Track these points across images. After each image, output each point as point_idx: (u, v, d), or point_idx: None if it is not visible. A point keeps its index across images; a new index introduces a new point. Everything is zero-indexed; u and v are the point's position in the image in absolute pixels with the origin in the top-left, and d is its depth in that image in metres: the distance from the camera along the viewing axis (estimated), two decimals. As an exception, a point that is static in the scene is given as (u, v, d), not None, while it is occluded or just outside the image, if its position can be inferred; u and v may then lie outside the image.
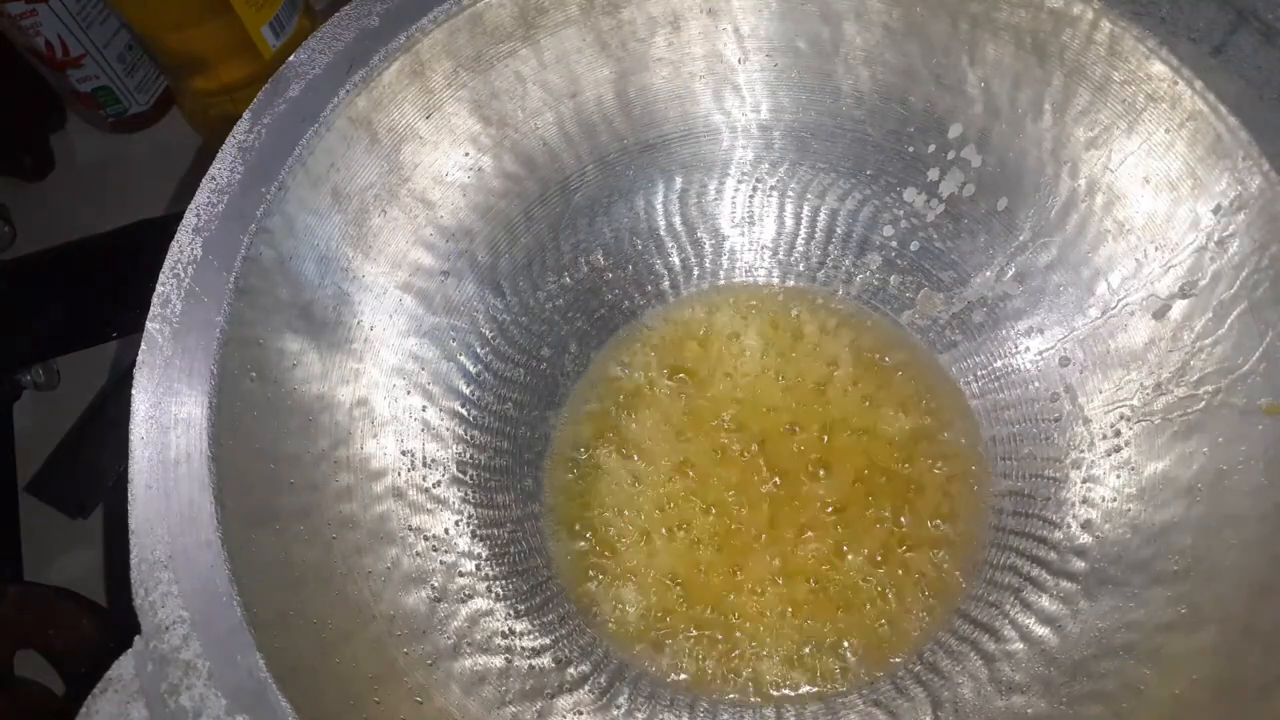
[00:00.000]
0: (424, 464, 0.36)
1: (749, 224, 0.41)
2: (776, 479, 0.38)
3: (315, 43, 0.32)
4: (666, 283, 0.42)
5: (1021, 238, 0.37)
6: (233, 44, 0.46)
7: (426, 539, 0.35)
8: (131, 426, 0.27)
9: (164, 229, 0.29)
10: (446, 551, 0.35)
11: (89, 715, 0.25)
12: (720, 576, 0.37)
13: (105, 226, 0.51)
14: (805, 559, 0.37)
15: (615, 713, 0.34)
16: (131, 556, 0.26)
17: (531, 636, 0.35)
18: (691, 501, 0.38)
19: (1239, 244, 0.31)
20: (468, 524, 0.36)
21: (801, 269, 0.42)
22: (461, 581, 0.35)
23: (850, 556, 0.37)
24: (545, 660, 0.35)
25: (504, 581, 0.36)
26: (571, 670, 0.35)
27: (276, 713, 0.25)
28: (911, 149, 0.38)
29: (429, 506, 0.35)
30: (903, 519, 0.37)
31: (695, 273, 0.42)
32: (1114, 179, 0.34)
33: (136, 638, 0.25)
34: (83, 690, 0.25)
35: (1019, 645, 0.34)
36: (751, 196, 0.41)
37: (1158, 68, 0.31)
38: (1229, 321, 0.31)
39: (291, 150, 0.30)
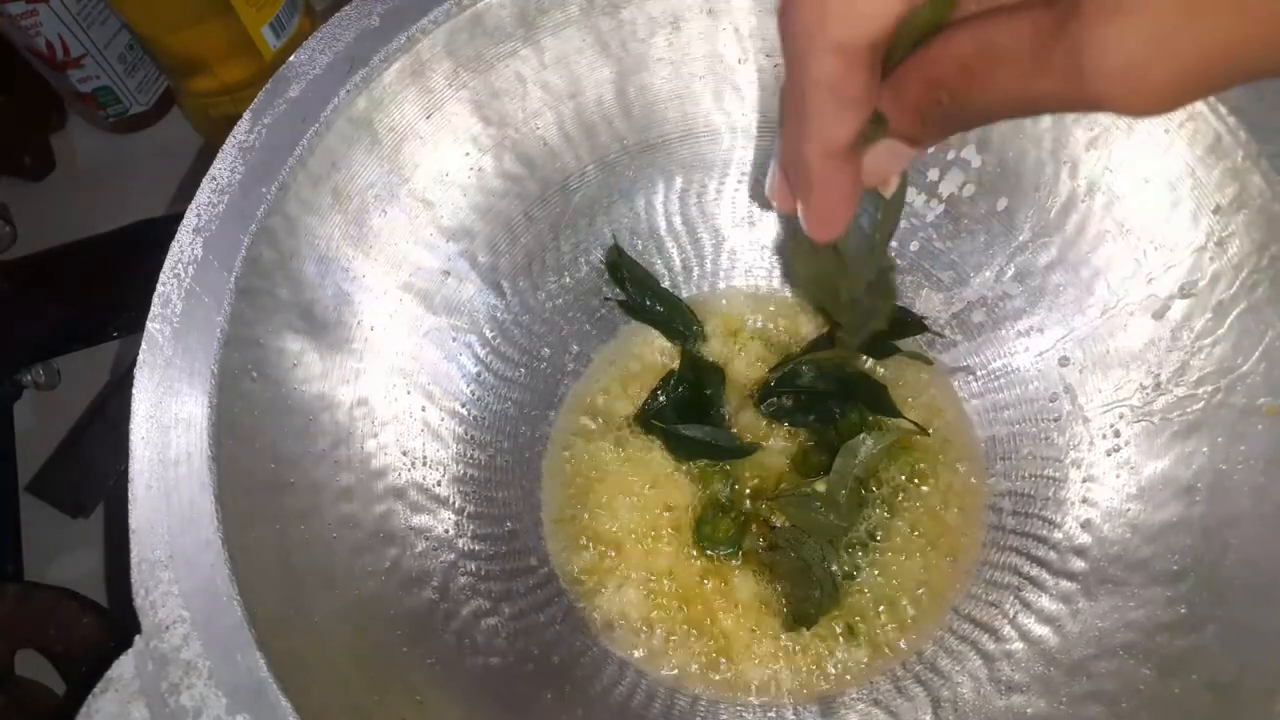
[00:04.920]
0: (424, 464, 0.36)
1: (749, 224, 0.41)
2: (776, 478, 0.38)
3: (315, 43, 0.32)
4: (667, 282, 0.42)
5: (1021, 238, 0.37)
6: (233, 44, 0.46)
7: (427, 539, 0.35)
8: (132, 426, 0.27)
9: (164, 229, 0.29)
10: (447, 551, 0.35)
11: (89, 715, 0.25)
12: (719, 576, 0.37)
13: (105, 226, 0.51)
14: (806, 557, 0.37)
15: (615, 712, 0.34)
16: (132, 556, 0.26)
17: (531, 636, 0.35)
18: (691, 502, 0.38)
19: (1238, 244, 0.31)
20: (468, 524, 0.36)
21: (801, 269, 0.42)
22: (462, 581, 0.35)
23: (849, 557, 0.37)
24: (545, 660, 0.35)
25: (504, 581, 0.36)
26: (571, 670, 0.35)
27: (276, 712, 0.25)
28: (911, 149, 0.38)
29: (429, 506, 0.35)
30: (902, 519, 0.37)
31: (695, 272, 0.42)
32: (1114, 179, 0.34)
33: (137, 637, 0.25)
34: (83, 690, 0.25)
35: (1019, 645, 0.34)
36: (752, 197, 0.41)
37: (1157, 68, 0.31)
38: (1228, 321, 0.31)
39: (292, 150, 0.31)
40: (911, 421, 0.38)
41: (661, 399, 0.39)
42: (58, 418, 0.47)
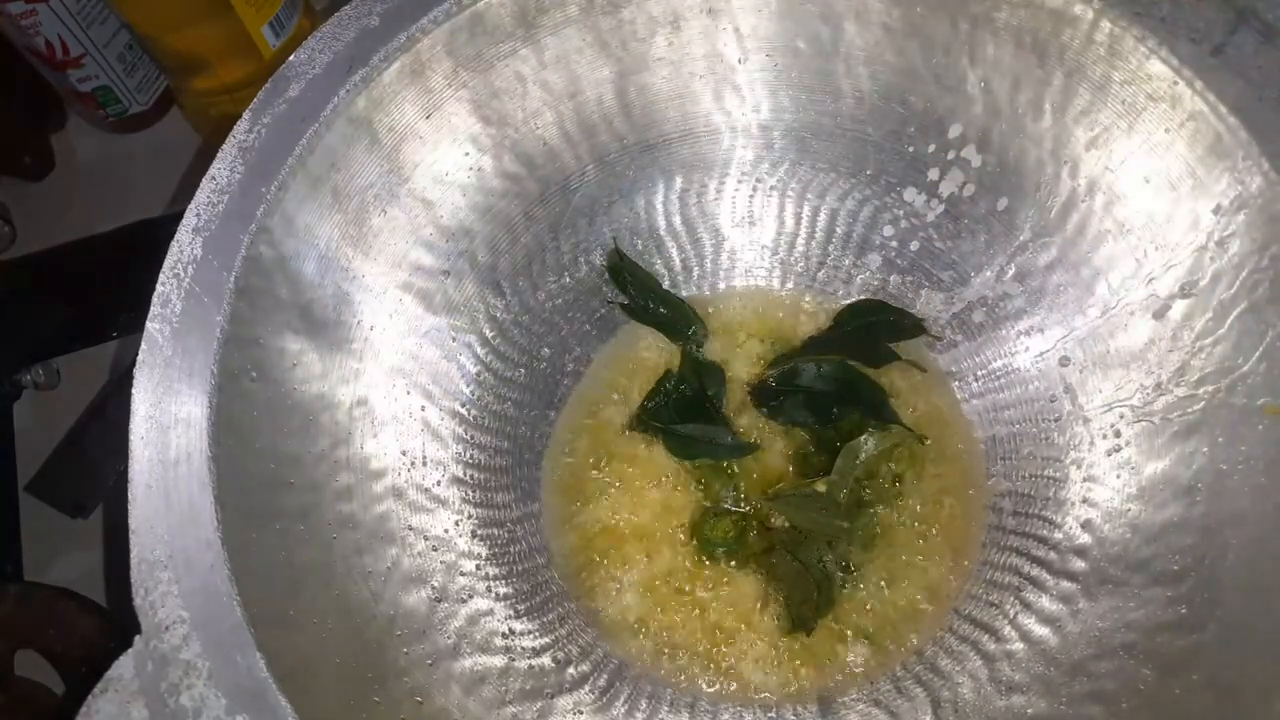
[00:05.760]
0: (424, 464, 0.36)
1: (749, 224, 0.41)
2: (775, 478, 0.38)
3: (315, 42, 0.32)
4: (666, 282, 0.42)
5: (1021, 238, 0.37)
6: (233, 44, 0.46)
7: (426, 539, 0.35)
8: (131, 426, 0.27)
9: (164, 229, 0.29)
10: (446, 551, 0.35)
11: (89, 715, 0.25)
12: (719, 577, 0.37)
13: (105, 226, 0.51)
14: (803, 559, 0.37)
15: (615, 713, 0.34)
16: (131, 556, 0.26)
17: (531, 636, 0.35)
18: (691, 502, 0.38)
19: (1239, 244, 0.31)
20: (468, 524, 0.36)
21: (801, 269, 0.42)
22: (461, 581, 0.35)
23: (848, 557, 0.37)
24: (545, 660, 0.35)
25: (504, 581, 0.36)
26: (571, 670, 0.35)
27: (276, 713, 0.25)
28: (911, 149, 0.38)
29: (429, 506, 0.35)
30: (902, 519, 0.37)
31: (695, 272, 0.42)
32: (1114, 179, 0.34)
33: (136, 637, 0.25)
34: (83, 690, 0.25)
35: (1019, 645, 0.34)
36: (751, 196, 0.41)
37: (1158, 68, 0.31)
38: (1229, 321, 0.31)
39: (291, 150, 0.30)
40: (908, 428, 0.38)
41: (660, 399, 0.39)
42: (57, 418, 0.47)
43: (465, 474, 0.37)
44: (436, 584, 0.34)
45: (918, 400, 0.39)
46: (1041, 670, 0.33)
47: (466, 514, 0.36)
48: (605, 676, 0.35)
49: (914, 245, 0.40)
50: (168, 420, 0.28)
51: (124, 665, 0.25)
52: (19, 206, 0.53)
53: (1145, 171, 0.33)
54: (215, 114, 0.49)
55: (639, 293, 0.40)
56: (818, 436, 0.39)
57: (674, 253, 0.42)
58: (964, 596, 0.36)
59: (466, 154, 0.36)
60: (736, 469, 0.39)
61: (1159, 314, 0.33)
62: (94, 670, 0.25)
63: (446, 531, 0.35)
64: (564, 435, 0.40)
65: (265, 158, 0.30)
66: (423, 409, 0.36)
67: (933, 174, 0.38)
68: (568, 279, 0.40)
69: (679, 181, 0.40)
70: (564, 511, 0.39)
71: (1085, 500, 0.35)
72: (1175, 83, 0.31)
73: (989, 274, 0.38)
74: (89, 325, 0.50)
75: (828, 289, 0.41)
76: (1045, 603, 0.34)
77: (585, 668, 0.35)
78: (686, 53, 0.37)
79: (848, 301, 0.41)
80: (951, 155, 0.37)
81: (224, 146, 0.31)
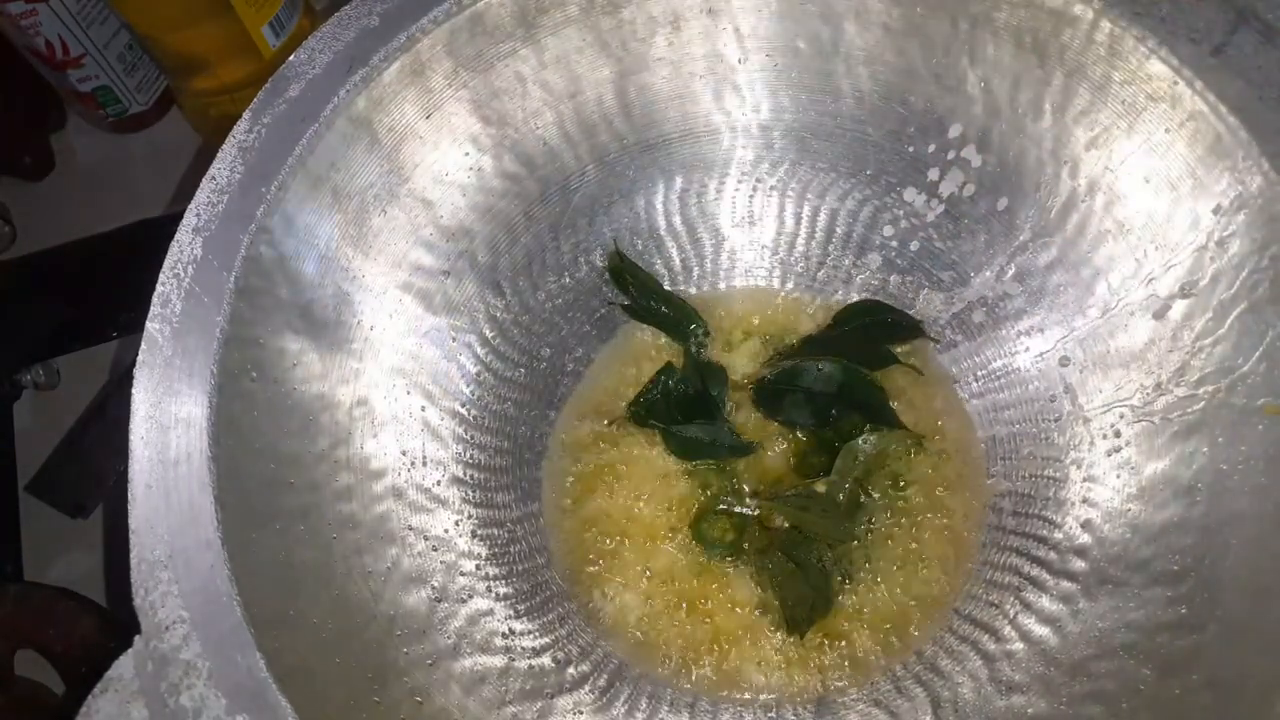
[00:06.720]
0: (424, 464, 0.36)
1: (749, 224, 0.41)
2: (775, 478, 0.38)
3: (315, 43, 0.32)
4: (666, 282, 0.42)
5: (1021, 238, 0.37)
6: (233, 44, 0.46)
7: (426, 539, 0.35)
8: (131, 426, 0.27)
9: (164, 229, 0.29)
10: (446, 551, 0.35)
11: (89, 715, 0.25)
12: (718, 577, 0.37)
13: (105, 226, 0.52)
14: (800, 560, 0.37)
15: (615, 713, 0.34)
16: (131, 556, 0.26)
17: (531, 636, 0.35)
18: (691, 502, 0.38)
19: (1239, 244, 0.31)
20: (468, 524, 0.36)
21: (801, 269, 0.42)
22: (461, 581, 0.35)
23: (848, 557, 0.37)
24: (545, 660, 0.35)
25: (504, 581, 0.36)
26: (571, 670, 0.35)
27: (276, 713, 0.25)
28: (911, 149, 0.38)
29: (429, 506, 0.35)
30: (901, 519, 0.37)
31: (695, 272, 0.42)
32: (1114, 179, 0.34)
33: (136, 637, 0.25)
34: (83, 690, 0.25)
35: (1019, 645, 0.34)
36: (751, 196, 0.41)
37: (1158, 68, 0.31)
38: (1229, 321, 0.31)
39: (291, 150, 0.31)
40: (907, 429, 0.38)
41: (657, 393, 0.39)
42: (57, 418, 0.47)
43: (465, 474, 0.37)
44: (436, 584, 0.34)
45: (917, 400, 0.39)
46: (1041, 670, 0.33)
47: (466, 514, 0.36)
48: (605, 676, 0.35)
49: (914, 245, 0.40)
50: (168, 420, 0.28)
51: (124, 665, 0.25)
52: (19, 206, 0.53)
53: (1145, 171, 0.33)
54: (215, 114, 0.49)
55: (640, 293, 0.40)
56: (817, 437, 0.39)
57: (674, 253, 0.42)
58: (964, 596, 0.36)
59: (466, 154, 0.36)
60: (736, 469, 0.39)
61: (1159, 314, 0.33)
62: (94, 670, 0.25)
63: (446, 531, 0.35)
64: (564, 435, 0.40)
65: (265, 158, 0.30)
66: (423, 409, 0.36)
67: (933, 174, 0.38)
68: (568, 279, 0.40)
69: (679, 181, 0.40)
70: (563, 511, 0.39)
71: (1085, 500, 0.35)
72: (1175, 83, 0.31)
73: (989, 274, 0.38)
74: (89, 325, 0.50)
75: (828, 289, 0.41)
76: (1045, 603, 0.34)
77: (585, 668, 0.35)
78: (686, 53, 0.37)
79: (848, 300, 0.41)
80: (951, 155, 0.37)
81: (224, 146, 0.31)
